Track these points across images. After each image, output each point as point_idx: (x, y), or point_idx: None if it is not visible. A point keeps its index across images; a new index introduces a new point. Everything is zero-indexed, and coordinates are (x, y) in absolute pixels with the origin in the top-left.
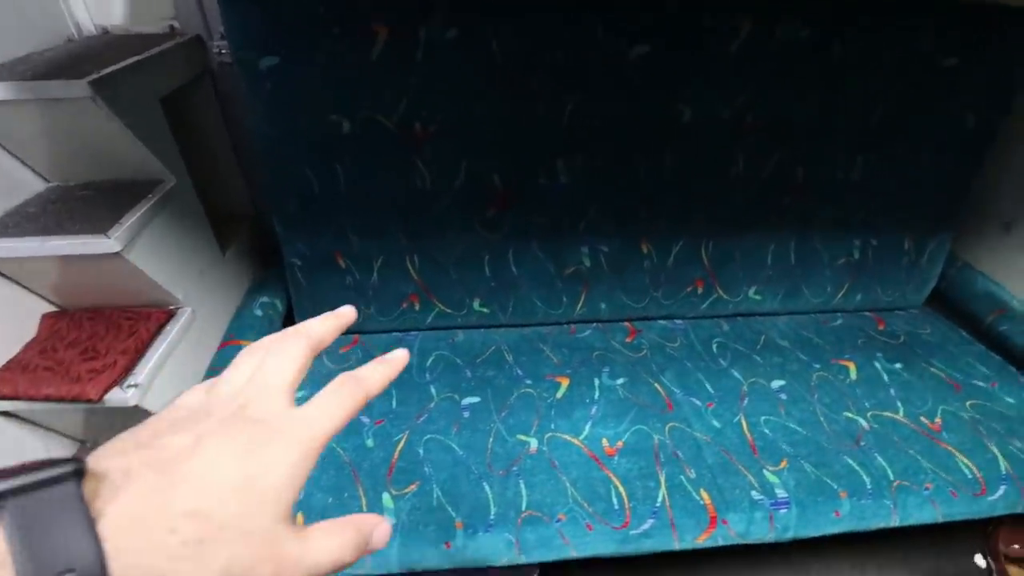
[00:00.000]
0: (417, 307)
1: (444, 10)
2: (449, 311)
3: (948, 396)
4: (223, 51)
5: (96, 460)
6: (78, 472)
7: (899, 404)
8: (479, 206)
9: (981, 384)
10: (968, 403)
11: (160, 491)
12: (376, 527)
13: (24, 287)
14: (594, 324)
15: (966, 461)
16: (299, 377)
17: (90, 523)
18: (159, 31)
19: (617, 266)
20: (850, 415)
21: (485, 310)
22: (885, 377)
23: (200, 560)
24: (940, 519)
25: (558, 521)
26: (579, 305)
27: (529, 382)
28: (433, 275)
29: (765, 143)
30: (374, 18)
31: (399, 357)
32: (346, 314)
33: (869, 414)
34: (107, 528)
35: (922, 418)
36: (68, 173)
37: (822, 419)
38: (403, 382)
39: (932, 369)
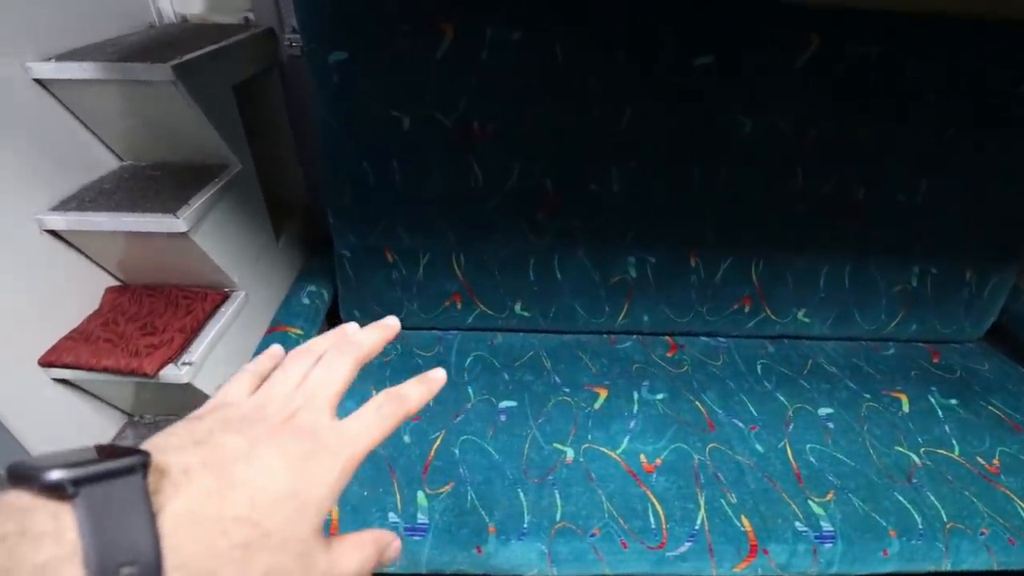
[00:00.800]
0: (459, 306)
1: (510, 11)
2: (490, 312)
3: (1007, 437)
4: (294, 44)
5: (157, 453)
6: (144, 465)
7: (954, 442)
8: (529, 209)
9: None
10: None
11: (216, 494)
12: (390, 545)
13: (91, 260)
14: (635, 336)
15: None
16: (344, 390)
17: (152, 518)
18: (235, 22)
19: (663, 278)
20: (902, 449)
21: (526, 314)
22: (940, 413)
23: (244, 564)
24: (996, 567)
25: (592, 536)
26: (621, 315)
27: (567, 390)
28: (477, 275)
29: (826, 161)
30: (442, 17)
31: (438, 378)
32: (392, 327)
33: (922, 450)
34: (166, 525)
35: (979, 458)
36: (141, 153)
37: (872, 452)
38: None
39: (990, 408)
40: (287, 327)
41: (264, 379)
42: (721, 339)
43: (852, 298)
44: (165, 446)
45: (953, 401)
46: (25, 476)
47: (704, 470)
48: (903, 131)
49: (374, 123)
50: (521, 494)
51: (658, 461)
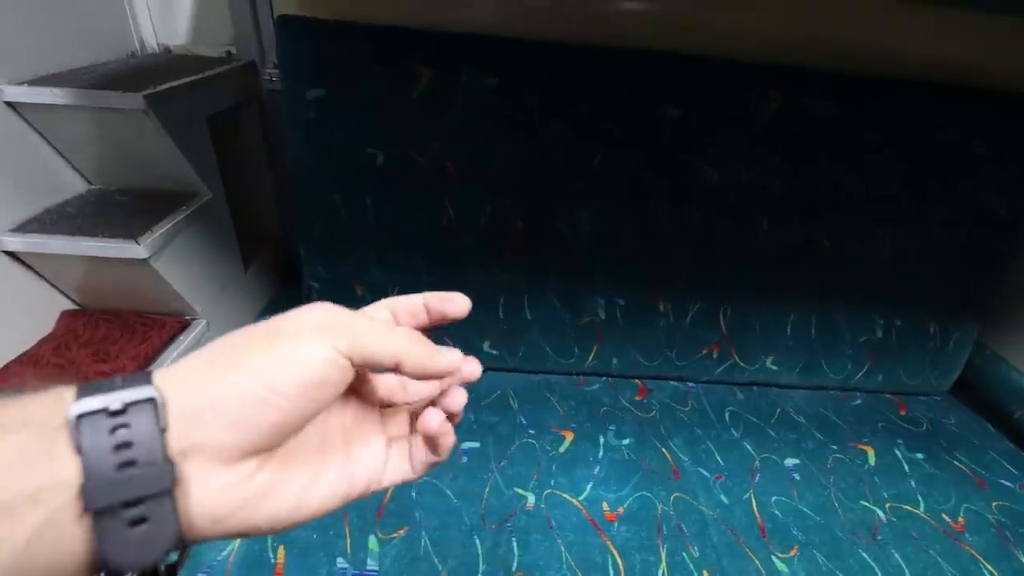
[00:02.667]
0: None
1: (485, 59)
2: (458, 349)
3: (972, 494)
4: (273, 79)
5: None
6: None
7: (920, 497)
8: (500, 247)
9: (1008, 484)
10: (994, 503)
11: (206, 369)
12: (468, 362)
13: (49, 282)
14: (604, 378)
15: (990, 568)
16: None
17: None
18: (217, 55)
19: (632, 321)
20: (867, 504)
21: (494, 352)
22: (906, 466)
23: (231, 378)
24: None
25: None
26: (590, 357)
27: (532, 432)
28: None
29: (790, 211)
30: (419, 61)
31: (461, 305)
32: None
33: (887, 505)
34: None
35: (944, 515)
36: (110, 178)
37: (837, 506)
38: None
39: (956, 463)
40: None
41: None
42: (690, 384)
43: (819, 347)
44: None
45: (919, 455)
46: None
47: (667, 521)
48: (862, 185)
49: (349, 158)
50: (477, 541)
51: (620, 510)
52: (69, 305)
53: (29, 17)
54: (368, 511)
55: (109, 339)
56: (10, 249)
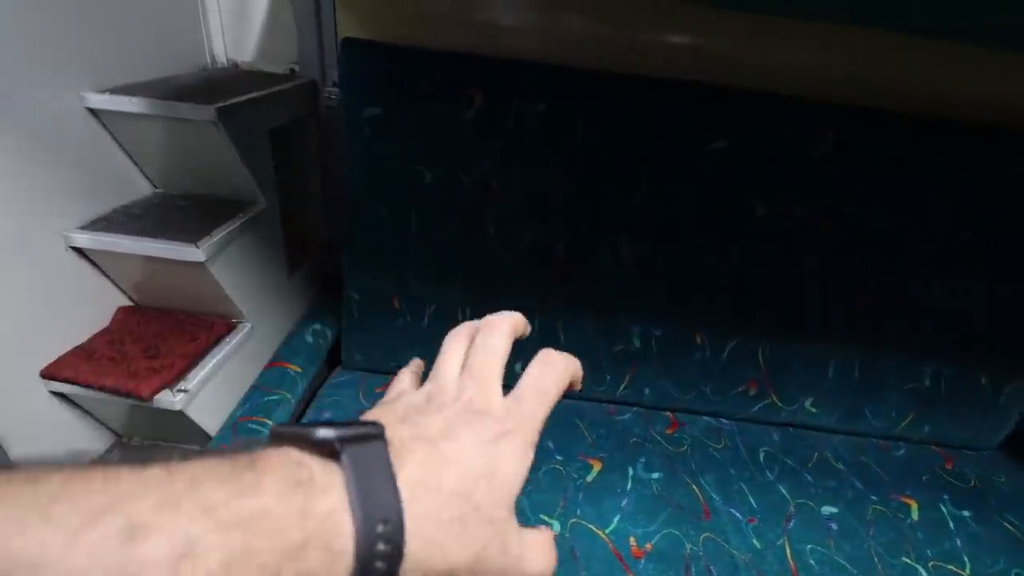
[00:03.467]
0: None
1: (536, 85)
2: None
3: (1022, 558)
4: (333, 96)
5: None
6: (383, 434)
7: (966, 558)
8: (538, 271)
9: None
10: None
11: (433, 466)
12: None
13: (109, 279)
14: (635, 408)
15: None
16: (504, 364)
17: (395, 482)
18: (281, 71)
19: (667, 352)
20: (908, 561)
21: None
22: (951, 524)
23: (463, 536)
24: None
25: None
26: (623, 386)
27: (560, 458)
28: None
29: (838, 249)
30: (473, 84)
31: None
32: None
33: (930, 564)
34: (403, 491)
35: None
36: (174, 183)
37: (876, 560)
38: None
39: (1006, 524)
40: (287, 363)
41: (420, 378)
42: (724, 421)
43: (862, 392)
44: (378, 420)
45: (966, 513)
46: (293, 436)
47: (696, 561)
48: (917, 227)
49: (398, 175)
50: None
51: (648, 546)
52: (125, 301)
53: (111, 30)
54: None
55: (161, 336)
56: (77, 245)
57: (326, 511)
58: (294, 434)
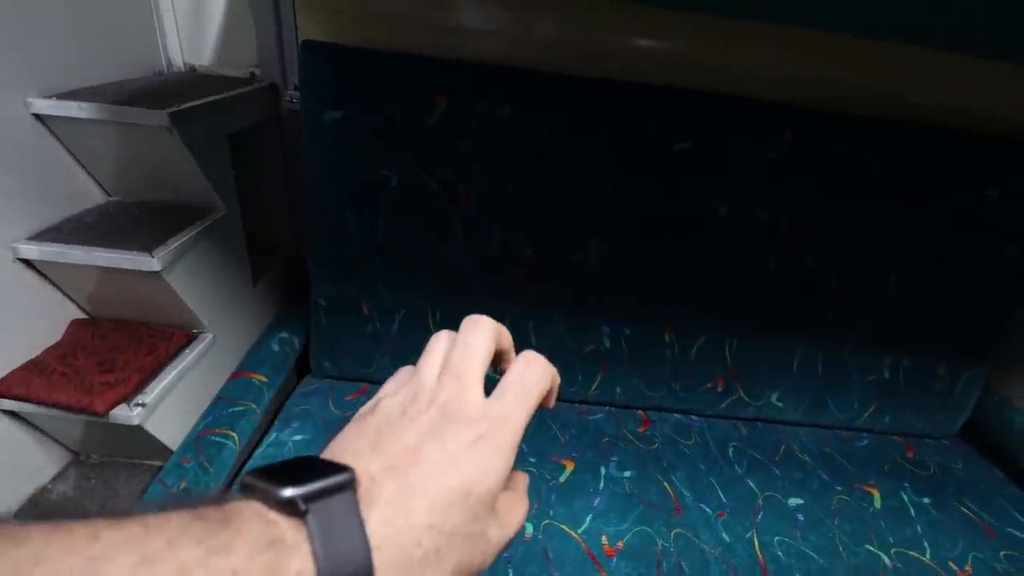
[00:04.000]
0: None
1: (501, 88)
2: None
3: (980, 541)
4: (294, 100)
5: (349, 462)
6: (353, 481)
7: (926, 544)
8: (507, 273)
9: (1017, 533)
10: (1002, 553)
11: (403, 501)
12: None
13: (61, 291)
14: (607, 407)
15: None
16: (486, 363)
17: (364, 532)
18: (241, 75)
19: (637, 351)
20: (872, 548)
21: (497, 377)
22: (912, 511)
23: (437, 567)
24: None
25: None
26: (594, 385)
27: (532, 460)
28: None
29: (799, 248)
30: (437, 88)
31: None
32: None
33: (893, 551)
34: (372, 537)
35: (951, 563)
36: (129, 190)
37: (841, 549)
38: None
39: (963, 509)
40: (252, 373)
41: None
42: (694, 417)
43: (825, 385)
44: (346, 452)
45: (926, 499)
46: (260, 490)
47: (667, 557)
48: (873, 225)
49: (362, 179)
50: None
51: (620, 544)
52: (79, 314)
53: (60, 33)
54: None
55: (117, 349)
56: (25, 257)
57: (295, 571)
58: (264, 490)
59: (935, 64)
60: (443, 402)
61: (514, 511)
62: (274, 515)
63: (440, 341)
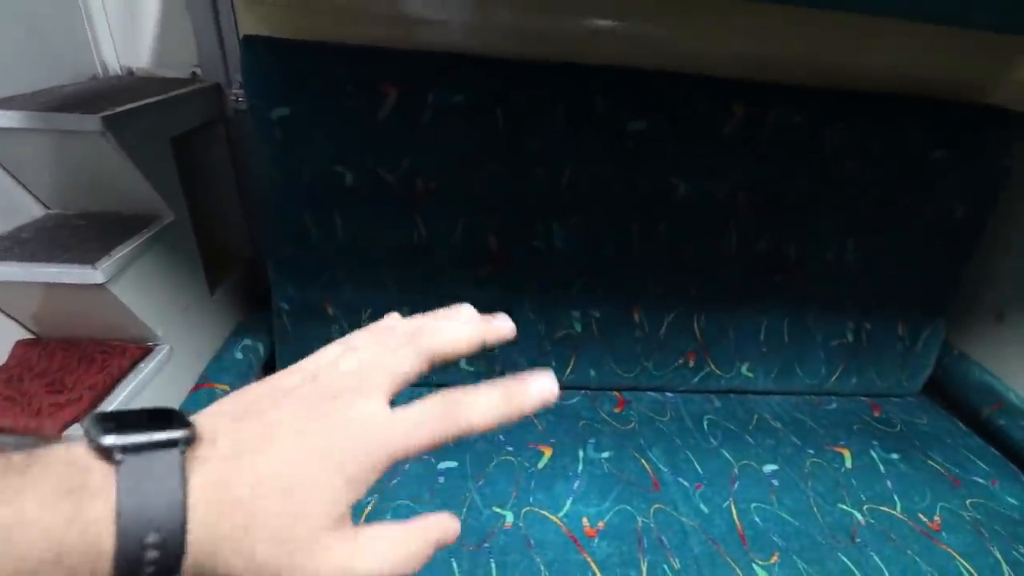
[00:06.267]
0: None
1: (452, 77)
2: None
3: (947, 492)
4: (239, 99)
5: (200, 420)
6: (188, 440)
7: (896, 498)
8: (473, 264)
9: (981, 481)
10: (968, 501)
11: (227, 474)
12: (446, 530)
13: (2, 311)
14: (583, 391)
15: (967, 566)
16: (403, 381)
17: (183, 495)
18: (182, 76)
19: (608, 333)
20: (845, 507)
21: (471, 369)
22: (881, 468)
23: (240, 552)
24: None
25: None
26: (568, 370)
27: (510, 449)
28: None
29: (757, 221)
30: (385, 79)
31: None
32: (502, 328)
33: (865, 507)
34: (191, 497)
35: (920, 515)
36: (69, 202)
37: (816, 510)
38: None
39: (930, 462)
40: (215, 383)
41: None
42: (668, 394)
43: (792, 351)
44: (217, 413)
45: (894, 455)
46: (88, 432)
47: (648, 533)
48: (826, 194)
49: (317, 178)
50: (454, 563)
51: (600, 524)
52: (24, 334)
53: None
54: None
55: (65, 369)
56: None
57: (92, 519)
58: (89, 431)
59: (880, 31)
60: (336, 393)
61: (389, 546)
62: (90, 459)
63: (376, 334)
